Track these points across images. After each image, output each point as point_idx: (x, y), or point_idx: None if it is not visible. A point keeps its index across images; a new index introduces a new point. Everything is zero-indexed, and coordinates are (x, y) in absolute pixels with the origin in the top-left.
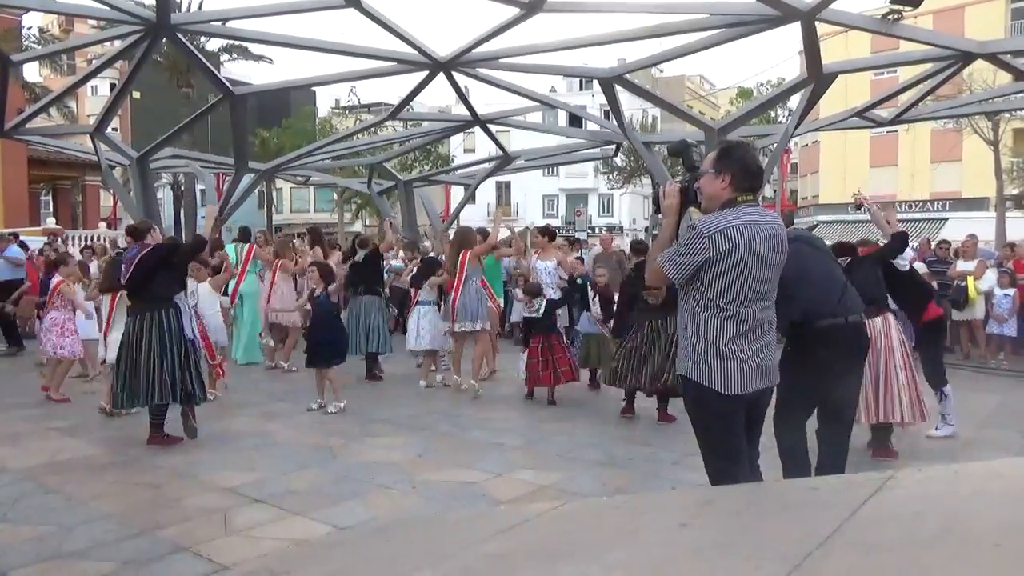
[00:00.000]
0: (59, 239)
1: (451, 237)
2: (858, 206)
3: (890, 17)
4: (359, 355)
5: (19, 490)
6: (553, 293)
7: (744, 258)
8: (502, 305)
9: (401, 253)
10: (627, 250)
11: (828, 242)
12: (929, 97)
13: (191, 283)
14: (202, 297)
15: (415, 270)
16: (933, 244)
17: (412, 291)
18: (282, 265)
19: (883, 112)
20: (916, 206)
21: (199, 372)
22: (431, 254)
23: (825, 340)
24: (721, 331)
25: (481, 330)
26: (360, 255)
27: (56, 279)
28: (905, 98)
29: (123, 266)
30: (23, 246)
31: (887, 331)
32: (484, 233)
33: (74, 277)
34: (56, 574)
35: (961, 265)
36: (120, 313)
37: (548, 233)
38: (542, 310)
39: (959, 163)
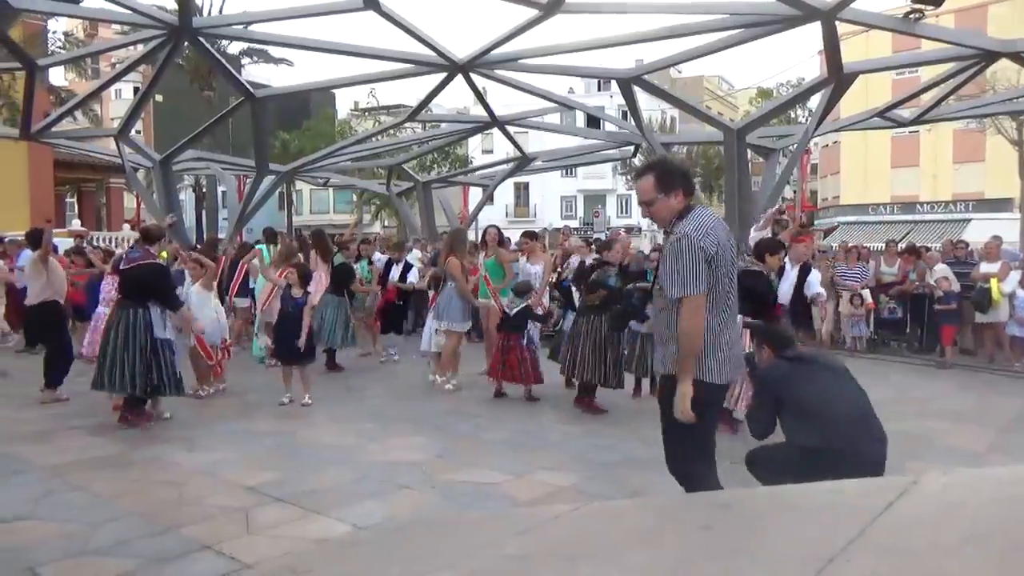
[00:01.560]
0: (84, 240)
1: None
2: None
3: (912, 16)
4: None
5: (46, 487)
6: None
7: (726, 251)
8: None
9: (418, 254)
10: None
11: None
12: (952, 97)
13: (186, 282)
14: (193, 297)
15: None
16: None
17: (431, 293)
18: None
19: (905, 112)
20: (938, 207)
21: (171, 368)
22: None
23: (839, 474)
24: (715, 325)
25: (453, 330)
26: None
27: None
28: (927, 98)
29: (120, 263)
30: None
31: None
32: (533, 235)
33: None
34: (82, 571)
35: (984, 267)
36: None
37: (533, 236)
38: (514, 311)
39: (982, 163)
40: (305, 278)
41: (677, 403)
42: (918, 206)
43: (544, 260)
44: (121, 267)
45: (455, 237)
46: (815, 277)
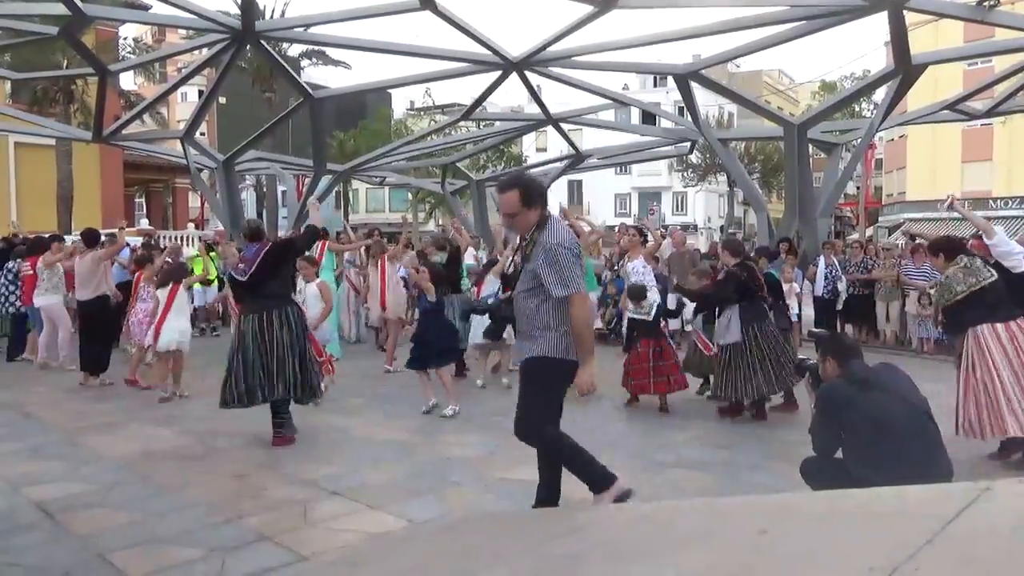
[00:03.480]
0: (152, 239)
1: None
2: (949, 205)
3: (985, 3)
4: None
5: (116, 477)
6: (652, 294)
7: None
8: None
9: (473, 252)
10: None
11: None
12: None
13: (299, 282)
14: (309, 296)
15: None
16: None
17: (475, 288)
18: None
19: (977, 104)
20: (1013, 203)
21: (316, 368)
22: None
23: None
24: (567, 314)
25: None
26: (442, 257)
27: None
28: (1001, 88)
29: (241, 266)
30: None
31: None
32: (638, 231)
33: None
34: (149, 558)
35: None
36: (179, 304)
37: (641, 232)
38: (652, 313)
39: None
40: (437, 279)
41: (582, 380)
42: (991, 202)
43: (644, 254)
44: (252, 269)
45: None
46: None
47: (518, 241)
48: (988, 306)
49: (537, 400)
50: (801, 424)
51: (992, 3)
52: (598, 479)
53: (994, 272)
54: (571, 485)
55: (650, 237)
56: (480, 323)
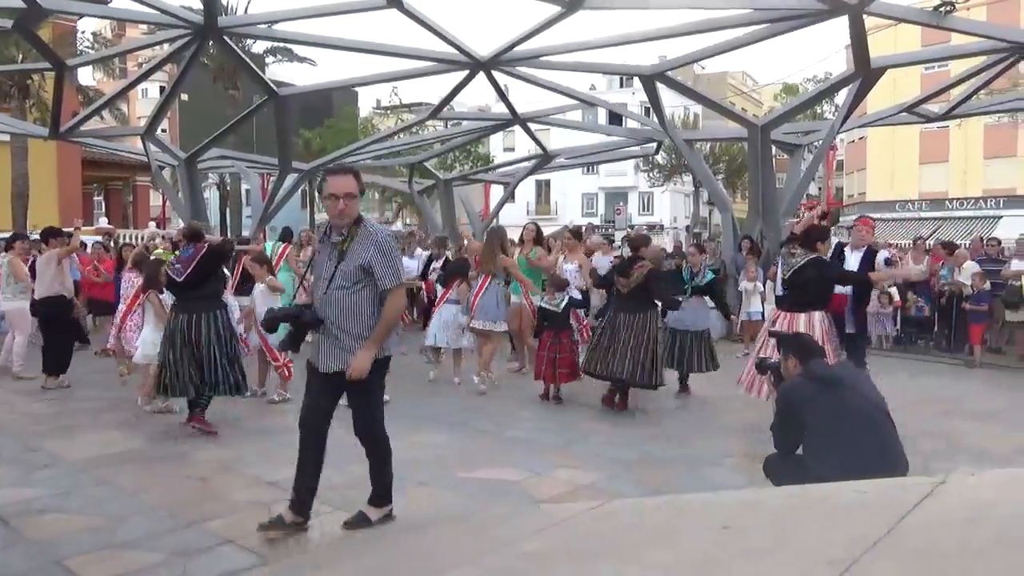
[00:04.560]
0: (111, 238)
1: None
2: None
3: (942, 9)
4: None
5: (73, 481)
6: (574, 293)
7: None
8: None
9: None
10: (667, 249)
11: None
12: (983, 91)
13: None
14: (258, 295)
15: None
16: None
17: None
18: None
19: (934, 107)
20: (968, 203)
21: (242, 365)
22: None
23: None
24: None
25: (498, 331)
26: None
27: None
28: (957, 92)
29: (178, 266)
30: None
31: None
32: (577, 234)
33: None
34: (108, 563)
35: (1016, 264)
36: (149, 312)
37: (577, 234)
38: (562, 305)
39: (1014, 159)
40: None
41: (361, 363)
42: (947, 202)
43: (580, 259)
44: (188, 271)
45: (501, 235)
46: (883, 256)
47: (328, 240)
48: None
49: (374, 398)
50: (760, 420)
51: (948, 9)
52: (389, 490)
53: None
54: (540, 482)
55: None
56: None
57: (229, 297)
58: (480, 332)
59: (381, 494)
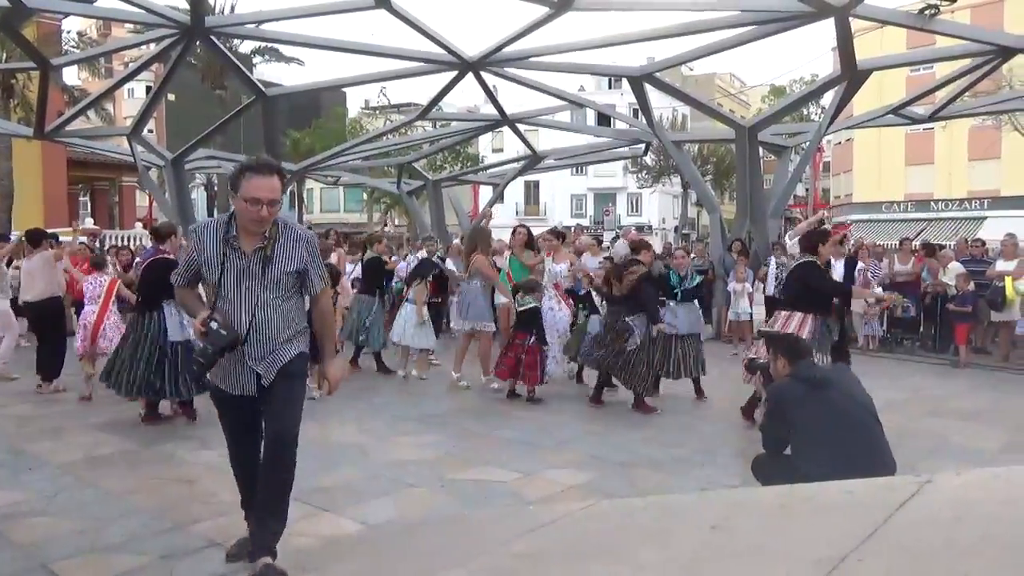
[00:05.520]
0: (96, 239)
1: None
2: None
3: (927, 12)
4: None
5: (59, 484)
6: (577, 289)
7: None
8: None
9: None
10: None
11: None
12: (967, 93)
13: None
14: None
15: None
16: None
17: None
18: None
19: (919, 109)
20: (953, 205)
21: (180, 372)
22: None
23: None
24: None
25: (483, 330)
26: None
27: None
28: (942, 94)
29: (136, 262)
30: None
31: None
32: (558, 234)
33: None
34: (94, 567)
35: (1000, 265)
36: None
37: (559, 235)
38: (521, 309)
39: (998, 160)
40: (334, 278)
41: (336, 372)
42: (932, 204)
43: (570, 259)
44: (139, 272)
45: (480, 235)
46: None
47: (233, 244)
48: None
49: (300, 405)
50: (750, 421)
51: (933, 12)
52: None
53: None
54: (530, 483)
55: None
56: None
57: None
58: (470, 333)
59: (287, 509)
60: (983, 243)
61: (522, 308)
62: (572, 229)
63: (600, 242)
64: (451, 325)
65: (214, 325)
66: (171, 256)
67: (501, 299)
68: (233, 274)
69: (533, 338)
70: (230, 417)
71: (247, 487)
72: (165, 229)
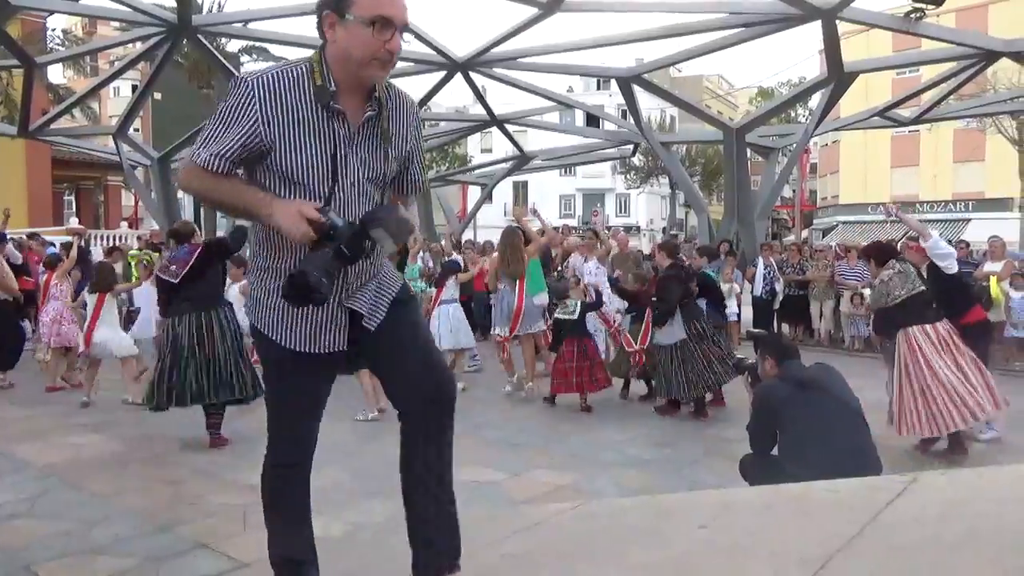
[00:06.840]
0: (82, 239)
1: (501, 238)
2: (889, 213)
3: (912, 15)
4: None
5: (43, 486)
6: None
7: None
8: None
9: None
10: (644, 251)
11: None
12: (952, 96)
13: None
14: (234, 298)
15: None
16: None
17: (435, 291)
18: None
19: (905, 111)
20: (938, 207)
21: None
22: (451, 255)
23: None
24: None
25: (532, 332)
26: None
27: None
28: (927, 97)
29: (172, 267)
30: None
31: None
32: (595, 235)
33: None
34: (79, 569)
35: (988, 266)
36: (108, 312)
37: (595, 235)
38: (576, 312)
39: (982, 163)
40: None
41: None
42: (918, 205)
43: (600, 255)
44: (185, 271)
45: (518, 235)
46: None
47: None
48: (920, 310)
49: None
50: (737, 420)
51: (919, 15)
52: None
53: (924, 281)
54: (519, 483)
55: (613, 243)
56: (443, 327)
57: (235, 292)
58: (526, 336)
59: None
60: (967, 244)
61: (564, 317)
62: (559, 230)
63: (597, 235)
64: (494, 331)
65: (333, 215)
66: (222, 236)
67: (536, 300)
68: (329, 159)
69: (586, 340)
70: (296, 392)
71: (297, 515)
72: (185, 230)
